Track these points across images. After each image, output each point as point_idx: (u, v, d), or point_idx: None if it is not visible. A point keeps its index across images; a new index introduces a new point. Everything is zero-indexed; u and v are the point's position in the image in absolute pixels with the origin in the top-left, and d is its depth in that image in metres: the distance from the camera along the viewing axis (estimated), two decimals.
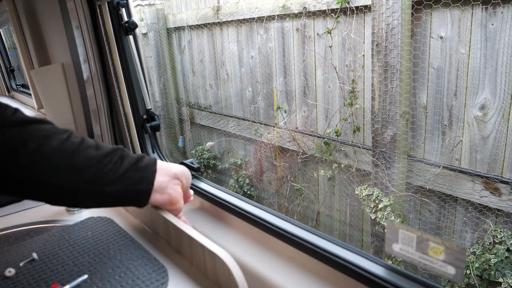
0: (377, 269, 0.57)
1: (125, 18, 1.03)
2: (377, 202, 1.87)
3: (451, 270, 0.49)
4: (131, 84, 1.08)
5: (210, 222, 0.85)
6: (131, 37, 1.05)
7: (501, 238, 1.55)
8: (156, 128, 1.11)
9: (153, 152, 1.13)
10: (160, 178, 0.64)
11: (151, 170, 0.63)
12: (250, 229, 0.77)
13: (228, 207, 0.82)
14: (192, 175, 0.94)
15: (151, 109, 1.11)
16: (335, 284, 0.61)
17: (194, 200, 0.91)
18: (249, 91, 2.73)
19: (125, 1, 1.01)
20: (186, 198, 0.74)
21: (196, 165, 0.94)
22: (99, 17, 1.03)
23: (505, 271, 1.50)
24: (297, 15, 2.22)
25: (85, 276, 0.63)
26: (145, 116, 1.11)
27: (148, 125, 1.10)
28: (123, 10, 1.02)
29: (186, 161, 0.95)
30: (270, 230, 0.71)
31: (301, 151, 2.38)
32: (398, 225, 0.52)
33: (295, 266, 0.67)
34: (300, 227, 0.69)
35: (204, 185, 0.92)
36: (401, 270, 0.56)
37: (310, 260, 0.65)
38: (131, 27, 1.02)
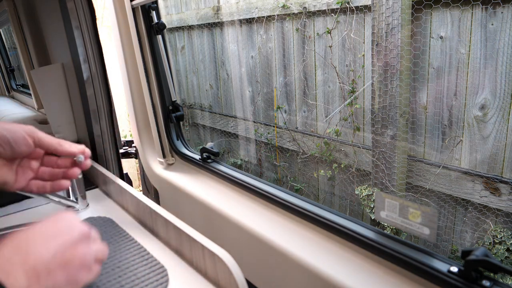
0: (370, 233, 0.70)
1: (155, 20, 1.14)
2: None
3: (426, 231, 0.58)
4: (159, 78, 1.19)
5: (229, 200, 0.97)
6: (159, 36, 1.16)
7: (501, 238, 1.55)
8: (180, 118, 1.24)
9: (177, 140, 1.26)
10: None
11: None
12: (266, 206, 0.90)
13: (245, 186, 0.95)
14: (212, 159, 1.12)
15: (176, 100, 1.24)
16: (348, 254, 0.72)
17: (214, 181, 1.09)
18: (249, 91, 2.73)
19: (156, 5, 1.13)
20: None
21: (215, 150, 1.08)
22: (134, 18, 1.12)
23: None
24: (297, 15, 2.22)
25: None
26: (170, 107, 1.24)
27: (173, 115, 1.22)
28: (154, 12, 1.13)
29: (206, 146, 1.10)
30: (284, 206, 0.85)
31: (301, 151, 2.38)
32: (385, 195, 0.63)
33: (308, 239, 0.77)
34: (314, 204, 0.81)
35: (224, 168, 1.07)
36: (390, 234, 0.68)
37: (321, 232, 0.77)
38: (160, 27, 1.15)
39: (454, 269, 0.56)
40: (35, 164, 0.62)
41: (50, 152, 0.62)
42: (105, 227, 0.82)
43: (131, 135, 2.81)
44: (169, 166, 1.26)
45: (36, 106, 1.82)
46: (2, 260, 0.41)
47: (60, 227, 0.47)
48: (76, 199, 0.96)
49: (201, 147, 1.15)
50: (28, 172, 0.61)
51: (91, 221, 0.85)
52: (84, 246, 0.48)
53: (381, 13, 1.70)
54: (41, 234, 0.45)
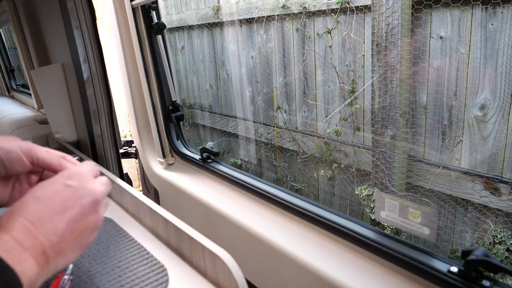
0: (370, 233, 0.70)
1: (155, 20, 1.14)
2: None
3: (426, 231, 0.58)
4: (159, 78, 1.19)
5: (229, 200, 0.97)
6: (159, 36, 1.16)
7: (501, 238, 1.55)
8: (180, 118, 1.24)
9: (177, 140, 1.25)
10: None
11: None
12: (266, 206, 0.90)
13: (245, 186, 0.95)
14: (212, 159, 1.12)
15: (176, 100, 1.23)
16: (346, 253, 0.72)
17: (214, 181, 1.09)
18: (249, 91, 2.73)
19: (156, 5, 1.12)
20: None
21: (215, 150, 1.08)
22: (134, 18, 1.11)
23: None
24: (297, 15, 2.22)
25: (85, 276, 0.63)
26: (170, 107, 1.23)
27: (173, 115, 1.22)
28: (154, 12, 1.13)
29: (206, 146, 1.10)
30: (284, 206, 0.85)
31: (301, 151, 2.38)
32: (385, 195, 0.63)
33: (308, 239, 0.77)
34: (314, 204, 0.81)
35: (224, 168, 1.06)
36: (390, 234, 0.67)
37: (321, 232, 0.77)
38: (160, 27, 1.14)
39: (454, 269, 0.56)
40: (34, 178, 0.57)
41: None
42: (105, 227, 0.82)
43: (131, 135, 2.81)
44: (169, 166, 1.26)
45: (36, 106, 1.82)
46: (13, 244, 0.38)
47: (68, 197, 0.44)
48: None
49: (201, 147, 1.15)
50: (25, 186, 0.56)
51: None
52: (95, 213, 0.45)
53: (381, 13, 1.70)
54: (48, 210, 0.42)
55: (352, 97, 2.03)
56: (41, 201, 0.42)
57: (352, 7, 1.91)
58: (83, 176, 0.47)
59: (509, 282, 1.44)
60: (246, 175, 0.99)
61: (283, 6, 2.27)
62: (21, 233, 0.39)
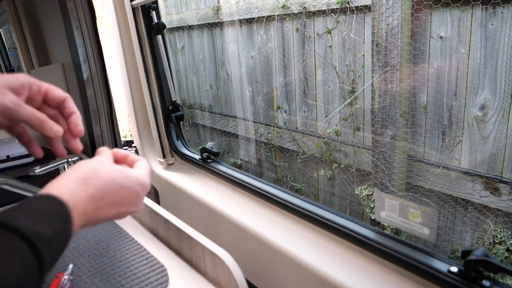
0: (370, 233, 0.70)
1: (155, 20, 1.14)
2: None
3: (426, 231, 0.58)
4: (159, 78, 1.19)
5: (229, 200, 0.98)
6: (159, 36, 1.16)
7: (501, 238, 1.55)
8: (180, 118, 1.24)
9: (177, 140, 1.25)
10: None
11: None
12: (266, 206, 0.91)
13: (245, 186, 0.96)
14: (212, 159, 1.12)
15: (176, 100, 1.23)
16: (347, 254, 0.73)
17: (214, 181, 1.09)
18: (249, 91, 2.73)
19: (156, 5, 1.12)
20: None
21: (215, 150, 1.08)
22: (134, 18, 1.12)
23: None
24: (297, 15, 2.22)
25: (85, 276, 0.63)
26: (170, 107, 1.23)
27: (173, 115, 1.22)
28: (154, 12, 1.13)
29: (206, 146, 1.10)
30: (284, 206, 0.85)
31: (301, 151, 2.38)
32: (385, 195, 0.63)
33: (308, 239, 0.78)
34: (314, 204, 0.81)
35: (224, 168, 1.07)
36: (390, 234, 0.68)
37: (321, 232, 0.77)
38: (160, 27, 1.15)
39: (454, 269, 0.56)
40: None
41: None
42: (105, 227, 0.82)
43: (131, 135, 2.81)
44: (169, 166, 1.26)
45: None
46: (79, 207, 0.42)
47: (131, 198, 0.49)
48: None
49: (201, 147, 1.15)
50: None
51: None
52: (125, 215, 0.50)
53: (381, 13, 1.70)
54: (114, 200, 0.46)
55: (352, 97, 2.03)
56: (116, 189, 0.47)
57: (352, 7, 1.91)
58: (146, 187, 0.52)
59: (509, 282, 1.44)
60: (246, 175, 0.99)
61: (283, 6, 2.27)
62: (89, 205, 0.44)
